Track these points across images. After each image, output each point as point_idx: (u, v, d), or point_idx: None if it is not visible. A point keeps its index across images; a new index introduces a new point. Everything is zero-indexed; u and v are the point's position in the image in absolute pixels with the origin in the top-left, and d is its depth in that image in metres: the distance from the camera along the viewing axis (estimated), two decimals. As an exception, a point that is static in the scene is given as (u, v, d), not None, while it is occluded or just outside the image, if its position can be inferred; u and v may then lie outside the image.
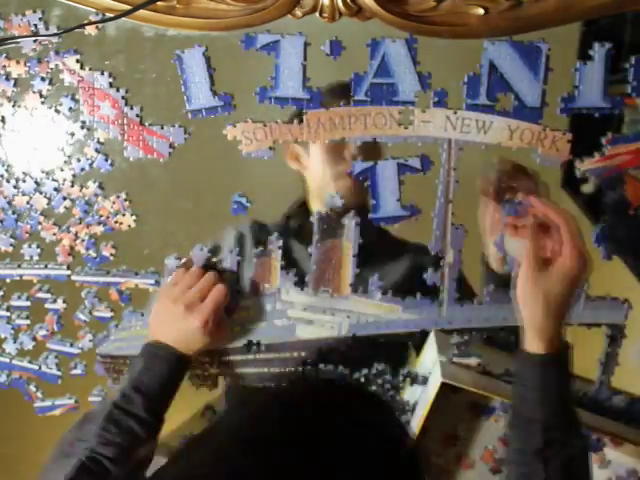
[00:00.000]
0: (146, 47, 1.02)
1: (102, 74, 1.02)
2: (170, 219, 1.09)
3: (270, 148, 1.03)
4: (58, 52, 1.01)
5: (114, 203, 1.06)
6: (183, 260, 1.09)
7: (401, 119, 1.01)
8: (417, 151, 1.02)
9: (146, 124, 1.03)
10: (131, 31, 1.01)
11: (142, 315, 1.12)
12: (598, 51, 0.99)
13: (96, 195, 1.07)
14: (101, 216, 1.07)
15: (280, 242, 1.08)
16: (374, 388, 1.13)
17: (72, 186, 1.06)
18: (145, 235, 1.09)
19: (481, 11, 0.96)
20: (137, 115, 1.03)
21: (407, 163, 1.03)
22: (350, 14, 0.96)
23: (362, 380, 1.13)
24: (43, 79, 1.02)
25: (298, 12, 0.97)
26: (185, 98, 1.02)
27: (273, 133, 1.02)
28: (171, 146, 1.04)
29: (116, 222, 1.07)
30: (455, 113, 1.00)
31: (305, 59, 0.99)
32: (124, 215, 1.07)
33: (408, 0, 0.95)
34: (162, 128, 1.03)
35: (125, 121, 1.03)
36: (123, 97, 1.03)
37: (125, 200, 1.06)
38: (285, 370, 1.13)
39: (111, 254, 1.09)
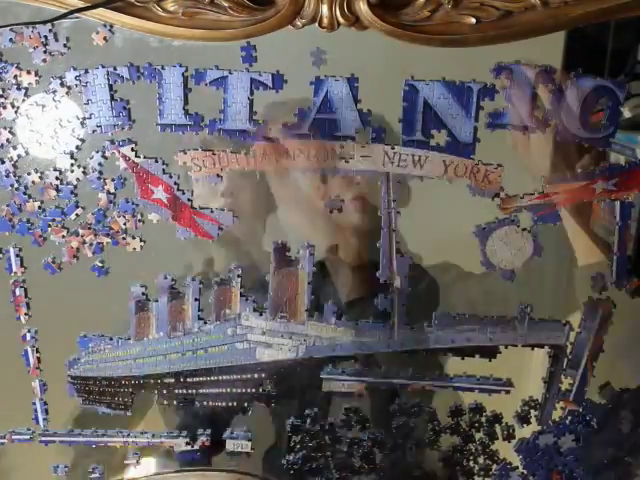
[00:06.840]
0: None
1: (156, 161, 1.09)
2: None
3: (218, 175, 1.09)
4: (113, 142, 1.07)
5: (128, 221, 1.10)
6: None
7: (342, 153, 1.07)
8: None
9: (196, 207, 1.10)
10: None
11: (110, 339, 1.19)
12: (525, 71, 1.02)
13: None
14: (111, 229, 1.10)
15: (239, 270, 1.15)
16: None
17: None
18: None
19: (473, 20, 0.98)
20: (188, 199, 1.10)
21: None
22: (348, 24, 0.98)
23: None
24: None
25: (299, 23, 0.99)
26: (157, 112, 1.06)
27: (221, 161, 1.08)
28: (220, 228, 1.11)
29: (124, 239, 1.10)
30: (393, 148, 1.06)
31: (252, 93, 1.05)
32: (134, 238, 1.11)
33: (404, 10, 0.98)
34: (212, 212, 1.10)
35: (177, 204, 1.10)
36: (175, 183, 1.09)
37: (139, 221, 1.10)
38: (246, 390, 1.20)
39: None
